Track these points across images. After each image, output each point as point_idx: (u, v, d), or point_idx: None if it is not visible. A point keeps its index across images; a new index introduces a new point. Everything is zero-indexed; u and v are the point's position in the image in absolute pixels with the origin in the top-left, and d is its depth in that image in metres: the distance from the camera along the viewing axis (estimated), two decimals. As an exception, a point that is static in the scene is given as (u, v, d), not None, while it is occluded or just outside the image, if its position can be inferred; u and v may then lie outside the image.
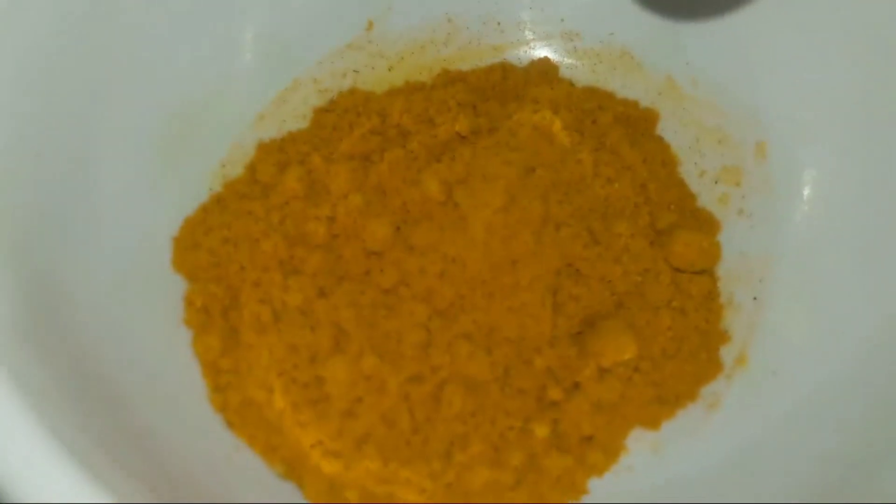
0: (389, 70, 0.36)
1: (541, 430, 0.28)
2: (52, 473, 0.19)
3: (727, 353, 0.31)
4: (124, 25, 0.30)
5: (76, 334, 0.25)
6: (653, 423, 0.29)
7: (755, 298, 0.32)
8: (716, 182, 0.34)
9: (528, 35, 0.37)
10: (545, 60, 0.36)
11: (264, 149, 0.34)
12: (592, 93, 0.36)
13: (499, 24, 0.37)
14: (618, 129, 0.34)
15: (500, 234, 0.29)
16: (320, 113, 0.35)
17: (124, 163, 0.30)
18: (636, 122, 0.35)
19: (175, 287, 0.30)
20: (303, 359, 0.28)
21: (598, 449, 0.28)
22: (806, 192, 0.33)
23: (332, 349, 0.28)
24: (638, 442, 0.29)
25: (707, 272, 0.32)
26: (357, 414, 0.27)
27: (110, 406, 0.24)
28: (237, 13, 0.33)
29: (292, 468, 0.27)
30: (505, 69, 0.37)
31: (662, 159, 0.35)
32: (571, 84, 0.36)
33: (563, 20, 0.37)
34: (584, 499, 0.28)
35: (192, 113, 0.32)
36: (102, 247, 0.28)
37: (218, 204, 0.32)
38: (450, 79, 0.36)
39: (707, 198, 0.34)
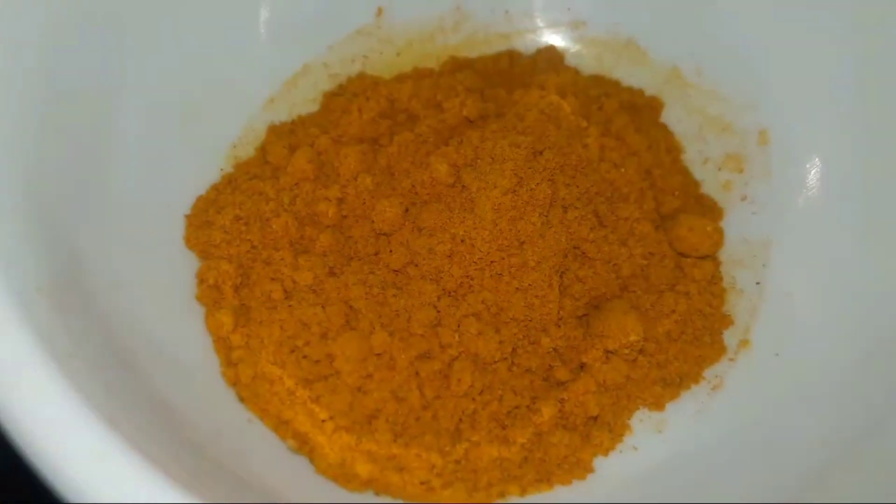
0: (398, 56, 0.37)
1: (548, 410, 0.28)
2: (82, 433, 0.19)
3: (731, 337, 0.31)
4: (139, 12, 0.30)
5: (96, 302, 0.26)
6: (657, 403, 0.30)
7: (758, 283, 0.32)
8: (719, 169, 0.35)
9: (536, 23, 0.37)
10: (551, 48, 0.37)
11: (275, 131, 0.34)
12: (598, 80, 0.36)
13: (507, 12, 0.37)
14: (623, 116, 0.34)
15: (508, 215, 0.29)
16: (330, 97, 0.35)
17: (140, 141, 0.30)
18: (641, 110, 0.36)
19: (189, 264, 0.30)
20: (314, 335, 0.28)
21: (604, 428, 0.29)
22: (807, 177, 0.33)
23: (343, 326, 0.28)
24: (642, 422, 0.30)
25: (710, 257, 0.33)
26: (367, 390, 0.27)
27: (129, 373, 0.25)
28: (249, -1, 0.34)
29: (303, 442, 0.27)
30: (512, 56, 0.37)
31: (667, 146, 0.35)
32: (577, 72, 0.37)
33: (569, 9, 0.37)
34: (590, 477, 0.29)
35: (205, 95, 0.33)
36: (119, 221, 0.28)
37: (229, 184, 0.32)
38: (457, 65, 0.37)
39: (711, 184, 0.34)
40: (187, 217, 0.31)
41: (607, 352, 0.30)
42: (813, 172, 0.33)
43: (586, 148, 0.32)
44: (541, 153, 0.31)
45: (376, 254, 0.30)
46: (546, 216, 0.30)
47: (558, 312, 0.29)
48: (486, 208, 0.30)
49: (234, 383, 0.28)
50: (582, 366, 0.30)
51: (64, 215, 0.26)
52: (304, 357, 0.28)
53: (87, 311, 0.24)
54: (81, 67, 0.28)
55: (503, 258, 0.29)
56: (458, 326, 0.28)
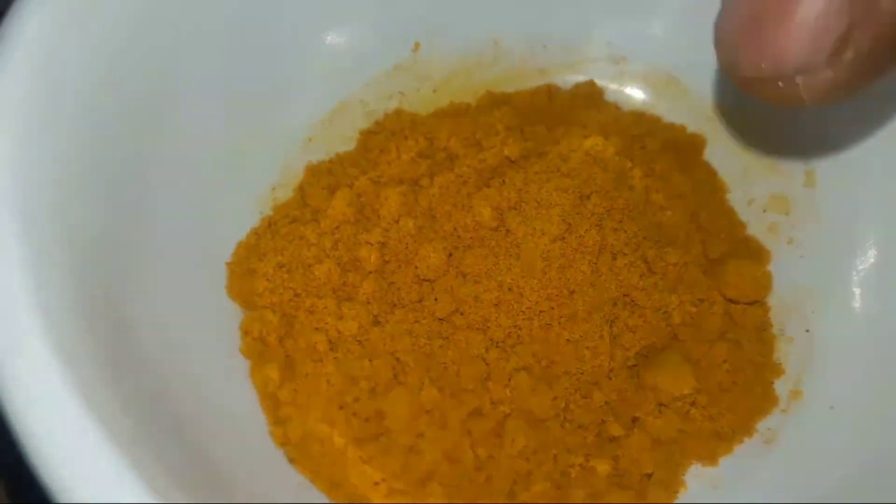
0: (434, 92, 0.36)
1: (602, 467, 0.28)
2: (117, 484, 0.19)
3: (782, 387, 0.31)
4: (179, 55, 0.29)
5: (138, 355, 0.25)
6: (711, 458, 0.29)
7: (807, 331, 0.31)
8: (764, 210, 0.34)
9: (574, 58, 0.37)
10: (591, 83, 0.36)
11: (313, 171, 0.33)
12: (639, 117, 0.36)
13: (544, 46, 0.37)
14: (667, 155, 0.34)
15: (558, 263, 0.29)
16: (367, 135, 0.35)
17: (179, 186, 0.29)
18: (684, 148, 0.35)
19: (231, 314, 0.29)
20: (363, 391, 0.27)
21: (659, 485, 0.28)
22: (856, 222, 0.33)
23: (391, 381, 0.28)
24: (697, 478, 0.29)
25: (759, 303, 0.32)
26: (420, 450, 0.27)
27: (171, 429, 0.24)
28: (287, 37, 0.33)
29: (357, 506, 0.27)
30: (550, 92, 0.36)
31: (711, 186, 0.34)
32: (618, 107, 0.36)
33: (609, 43, 0.36)
34: (645, 535, 0.28)
35: (244, 136, 0.32)
36: (159, 270, 0.27)
37: (269, 228, 0.31)
38: (495, 101, 0.36)
39: (756, 227, 0.34)
40: (228, 265, 0.30)
41: (660, 405, 0.29)
42: (862, 216, 0.32)
43: (632, 190, 0.32)
44: (588, 197, 0.30)
45: (420, 301, 0.30)
46: (595, 264, 0.29)
47: (609, 364, 0.29)
48: (535, 256, 0.29)
49: (283, 443, 0.27)
50: (634, 420, 0.29)
51: (103, 263, 0.25)
52: (354, 414, 0.27)
53: (128, 363, 0.23)
54: (120, 111, 0.27)
55: (552, 308, 0.29)
56: (509, 381, 0.28)
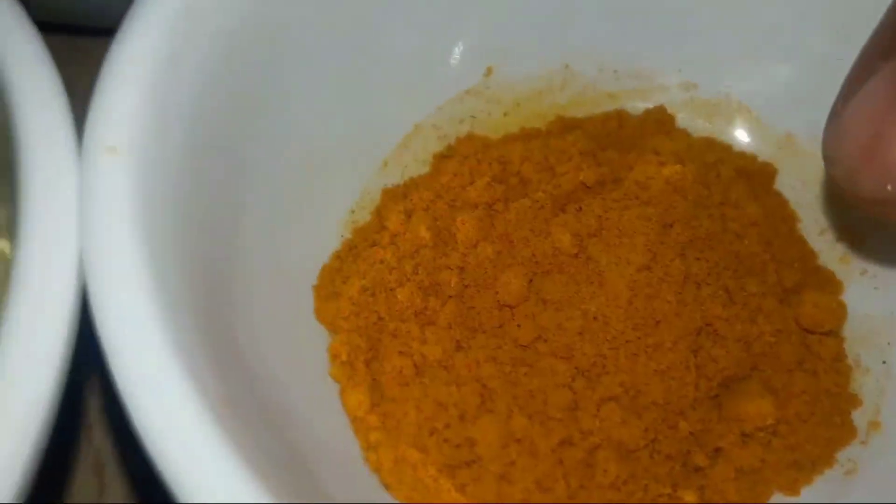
0: (504, 115, 0.36)
1: (689, 497, 0.28)
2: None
3: (860, 418, 0.31)
4: (269, 84, 0.30)
5: (244, 373, 0.25)
6: (792, 488, 0.29)
7: (884, 362, 0.32)
8: (837, 240, 0.34)
9: (644, 84, 0.37)
10: (661, 109, 0.36)
11: (389, 195, 0.34)
12: (711, 144, 0.36)
13: (615, 71, 0.37)
14: (740, 184, 0.34)
15: (644, 292, 0.29)
16: (440, 158, 0.35)
17: (267, 208, 0.30)
18: (756, 177, 0.35)
19: (320, 336, 0.30)
20: (452, 417, 0.27)
21: (744, 516, 0.28)
22: (930, 252, 0.33)
23: (479, 407, 0.28)
24: (779, 510, 0.29)
25: (833, 333, 0.32)
26: (512, 479, 0.27)
27: (280, 456, 0.24)
28: (365, 60, 0.33)
29: (451, 534, 0.27)
30: (621, 117, 0.37)
31: (783, 215, 0.35)
32: (689, 135, 0.36)
33: (680, 71, 0.37)
34: (729, 565, 0.28)
35: (325, 160, 0.32)
36: (252, 293, 0.28)
37: (350, 252, 0.32)
38: (565, 126, 0.36)
39: (828, 256, 0.34)
40: (315, 288, 0.30)
41: (743, 435, 0.29)
42: (937, 247, 0.33)
43: (711, 219, 0.32)
44: (670, 226, 0.31)
45: (500, 326, 0.30)
46: (681, 294, 0.30)
47: (694, 394, 0.29)
48: (621, 286, 0.29)
49: (377, 469, 0.27)
50: (717, 450, 0.29)
51: (214, 299, 0.25)
52: (445, 441, 0.27)
53: (244, 390, 0.24)
54: (215, 137, 0.27)
55: (639, 338, 0.29)
56: (598, 411, 0.28)
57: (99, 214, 0.21)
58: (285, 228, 0.30)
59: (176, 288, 0.22)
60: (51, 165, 0.21)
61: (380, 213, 0.33)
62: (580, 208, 0.32)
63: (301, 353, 0.28)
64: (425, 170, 0.35)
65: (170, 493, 0.20)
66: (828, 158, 0.23)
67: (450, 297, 0.30)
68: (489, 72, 0.36)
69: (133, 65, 0.24)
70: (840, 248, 0.34)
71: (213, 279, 0.26)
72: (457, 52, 0.35)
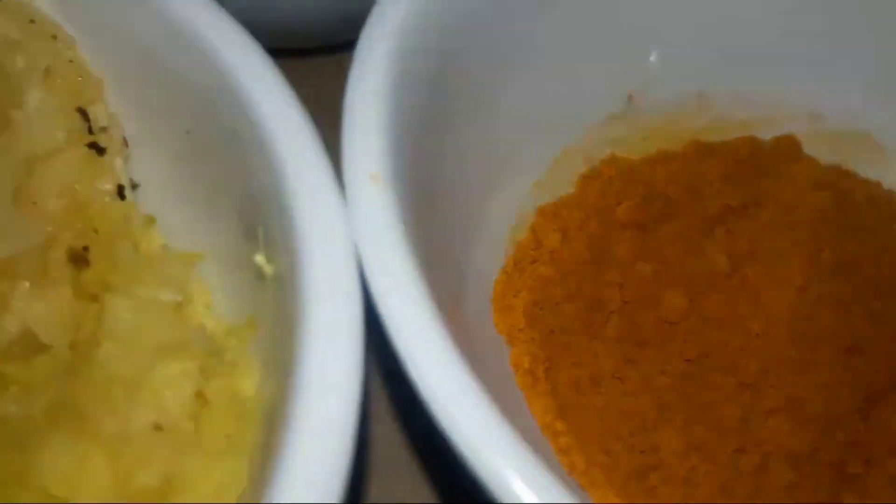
0: (643, 140, 0.38)
1: (850, 498, 0.30)
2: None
3: None
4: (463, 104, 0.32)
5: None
6: (939, 497, 0.32)
7: None
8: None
9: (775, 112, 0.39)
10: (791, 138, 0.38)
11: (543, 213, 0.36)
12: (838, 172, 0.38)
13: (747, 100, 0.39)
14: (871, 209, 0.36)
15: (803, 312, 0.31)
16: (586, 179, 0.37)
17: (450, 207, 0.32)
18: (883, 204, 0.37)
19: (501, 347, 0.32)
20: (635, 425, 0.30)
21: (901, 523, 0.31)
22: None
23: (658, 418, 0.30)
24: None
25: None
26: (696, 483, 0.29)
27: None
28: (520, 89, 0.35)
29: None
30: (753, 143, 0.38)
31: (909, 241, 0.37)
32: (817, 162, 0.38)
33: (810, 101, 0.39)
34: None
35: (490, 179, 0.34)
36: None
37: (515, 267, 0.34)
38: (701, 150, 0.38)
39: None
40: (493, 301, 0.32)
41: (894, 444, 0.31)
42: None
43: (853, 243, 0.34)
44: (822, 249, 0.33)
45: (665, 342, 0.32)
46: (835, 313, 0.32)
47: (849, 405, 0.31)
48: (781, 305, 0.31)
49: (571, 471, 0.29)
50: (868, 459, 0.31)
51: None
52: (631, 447, 0.29)
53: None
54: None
55: (800, 354, 0.31)
56: (766, 422, 0.30)
57: (375, 238, 0.23)
58: (461, 241, 0.32)
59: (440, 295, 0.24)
60: (317, 192, 0.23)
61: (535, 231, 0.35)
62: (728, 230, 0.34)
63: (496, 367, 0.30)
64: (572, 190, 0.37)
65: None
66: None
67: (611, 312, 0.32)
68: (630, 98, 0.38)
69: (375, 95, 0.26)
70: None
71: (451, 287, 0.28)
72: (602, 80, 0.37)
